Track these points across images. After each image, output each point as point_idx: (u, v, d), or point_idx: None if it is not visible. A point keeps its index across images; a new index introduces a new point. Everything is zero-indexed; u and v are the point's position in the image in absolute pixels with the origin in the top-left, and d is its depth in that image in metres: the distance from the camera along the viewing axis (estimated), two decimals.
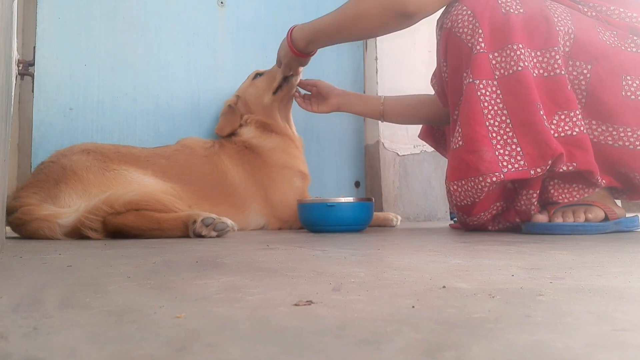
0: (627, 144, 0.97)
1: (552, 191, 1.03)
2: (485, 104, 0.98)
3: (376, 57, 1.97)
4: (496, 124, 0.97)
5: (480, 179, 0.97)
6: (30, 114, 1.51)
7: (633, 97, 0.96)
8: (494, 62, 0.99)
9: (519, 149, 0.96)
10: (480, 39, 0.99)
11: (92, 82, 1.59)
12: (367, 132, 1.99)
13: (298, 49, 1.27)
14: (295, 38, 1.26)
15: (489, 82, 0.98)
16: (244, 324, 0.28)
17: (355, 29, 1.13)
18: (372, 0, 1.08)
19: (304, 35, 1.24)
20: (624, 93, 0.96)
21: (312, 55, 1.32)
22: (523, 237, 0.92)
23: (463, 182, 1.00)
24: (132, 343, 0.24)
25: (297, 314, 0.30)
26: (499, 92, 0.98)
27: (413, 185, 1.92)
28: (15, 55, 1.15)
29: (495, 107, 0.98)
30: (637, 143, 0.96)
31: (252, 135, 1.48)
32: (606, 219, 1.04)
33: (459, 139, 1.00)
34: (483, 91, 0.98)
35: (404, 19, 1.05)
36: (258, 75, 1.57)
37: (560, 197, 1.03)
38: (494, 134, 0.97)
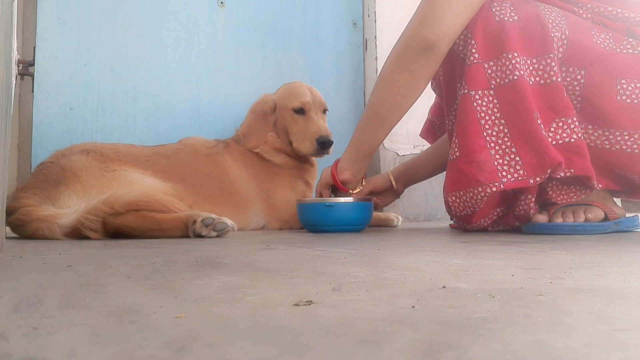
0: (624, 147, 0.96)
1: (550, 193, 1.03)
2: (482, 114, 0.98)
3: (376, 57, 1.97)
4: (494, 133, 0.97)
5: (480, 189, 0.96)
6: (30, 114, 1.51)
7: (628, 100, 0.95)
8: (489, 71, 0.98)
9: (517, 158, 0.96)
10: (474, 50, 0.99)
11: (92, 82, 1.59)
12: None
13: (349, 187, 1.20)
14: (344, 179, 1.19)
15: (485, 92, 0.98)
16: (244, 324, 0.28)
17: (387, 98, 1.07)
18: (392, 57, 1.05)
19: (345, 166, 1.17)
20: (618, 97, 0.95)
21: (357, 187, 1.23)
22: (523, 237, 0.92)
23: (461, 193, 1.00)
24: (132, 343, 0.24)
25: (297, 314, 0.30)
26: (495, 101, 0.97)
27: (413, 185, 1.92)
28: (15, 55, 1.15)
29: (493, 117, 0.97)
30: (635, 147, 0.95)
31: (262, 150, 1.45)
32: (606, 218, 1.04)
33: (456, 150, 1.00)
34: (479, 102, 0.98)
35: (427, 51, 0.99)
36: (299, 110, 1.43)
37: (558, 199, 1.03)
38: (493, 144, 0.97)
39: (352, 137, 1.18)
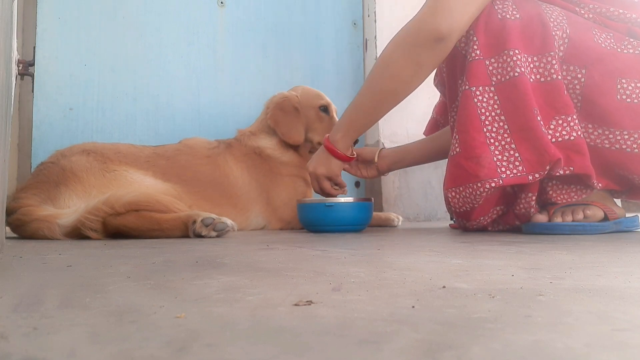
0: (624, 147, 0.96)
1: (550, 192, 1.03)
2: (483, 110, 0.98)
3: (376, 57, 1.97)
4: (494, 130, 0.97)
5: (479, 184, 0.97)
6: (30, 114, 1.51)
7: (629, 100, 0.95)
8: (490, 68, 0.99)
9: (517, 154, 0.96)
10: (475, 47, 1.00)
11: (92, 82, 1.59)
12: (367, 132, 1.99)
13: (338, 147, 1.17)
14: (333, 139, 1.17)
15: (486, 88, 0.98)
16: (244, 324, 0.28)
17: (388, 84, 1.05)
18: (397, 44, 1.03)
19: (339, 129, 1.16)
20: (619, 96, 0.96)
21: (354, 158, 1.23)
22: (523, 237, 0.92)
23: (461, 188, 1.00)
24: (132, 343, 0.24)
25: (297, 314, 0.30)
26: (496, 98, 0.98)
27: (413, 185, 1.93)
28: (15, 55, 1.15)
29: (493, 113, 0.98)
30: (634, 146, 0.96)
31: (270, 146, 1.45)
32: (606, 218, 1.04)
33: (457, 145, 1.00)
34: (480, 97, 0.98)
35: (438, 42, 0.98)
36: (324, 108, 1.50)
37: (558, 198, 1.03)
38: (492, 140, 0.97)
39: (341, 118, 1.17)
